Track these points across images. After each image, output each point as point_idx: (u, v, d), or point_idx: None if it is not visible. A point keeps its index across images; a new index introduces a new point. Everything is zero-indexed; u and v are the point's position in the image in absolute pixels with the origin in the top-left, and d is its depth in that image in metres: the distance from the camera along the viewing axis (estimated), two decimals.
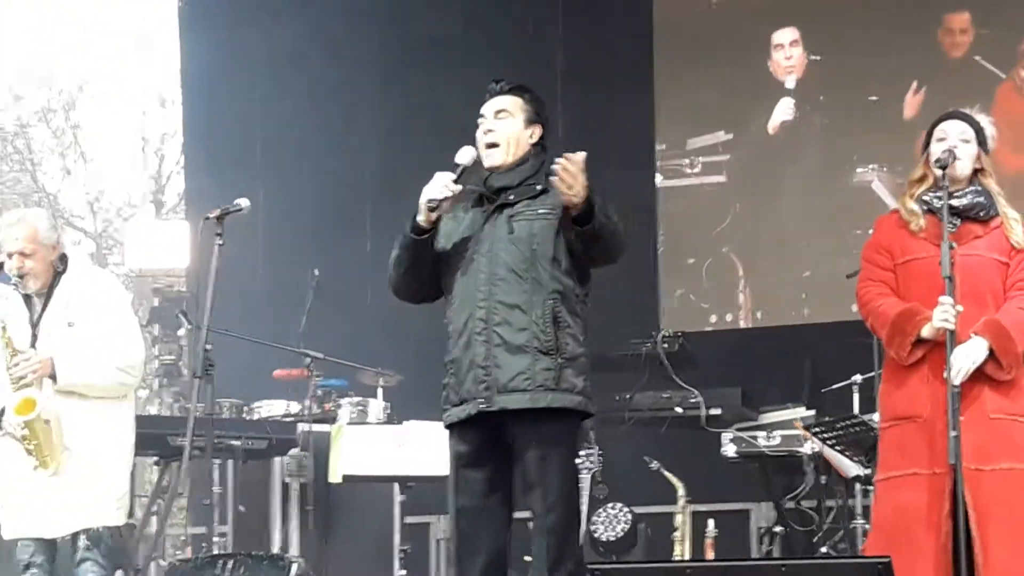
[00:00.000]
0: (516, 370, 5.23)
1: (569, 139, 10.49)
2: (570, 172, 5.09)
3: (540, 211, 5.34)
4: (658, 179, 10.74)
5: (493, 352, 5.25)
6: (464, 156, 5.39)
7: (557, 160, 5.12)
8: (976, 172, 5.63)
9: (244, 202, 6.45)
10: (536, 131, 5.48)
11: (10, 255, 6.49)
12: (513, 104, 5.46)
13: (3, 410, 6.44)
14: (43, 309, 6.55)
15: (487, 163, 5.42)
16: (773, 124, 10.55)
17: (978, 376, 5.43)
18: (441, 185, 5.29)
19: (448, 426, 5.42)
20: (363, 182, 10.96)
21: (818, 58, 10.52)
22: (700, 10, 10.88)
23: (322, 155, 10.89)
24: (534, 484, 5.26)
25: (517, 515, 5.46)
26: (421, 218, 5.32)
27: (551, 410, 5.24)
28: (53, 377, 6.40)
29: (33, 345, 6.47)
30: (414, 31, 10.90)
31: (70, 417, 6.43)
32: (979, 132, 5.66)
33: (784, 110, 10.55)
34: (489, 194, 5.42)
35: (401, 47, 10.87)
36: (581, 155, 5.12)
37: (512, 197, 5.38)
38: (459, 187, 5.32)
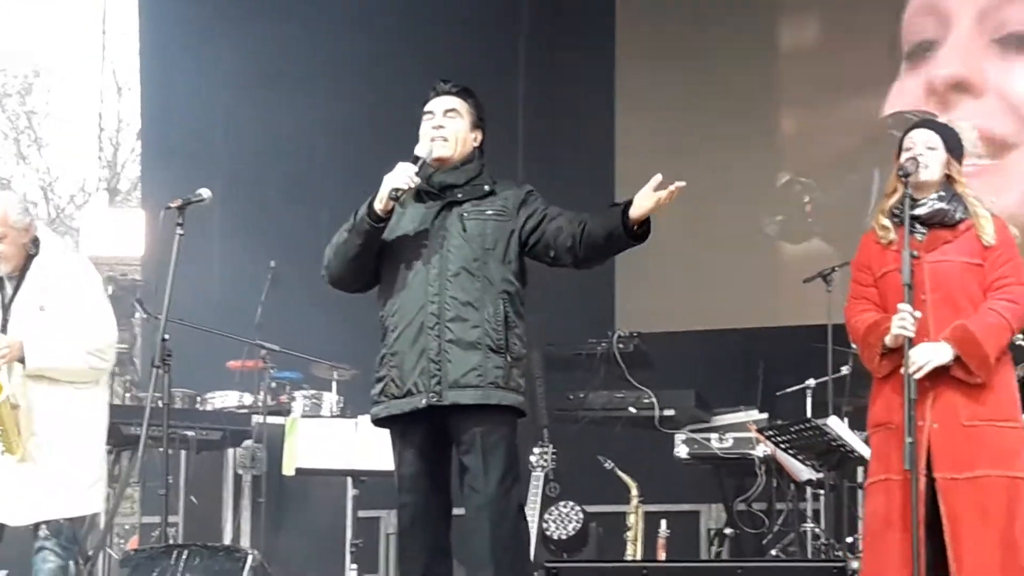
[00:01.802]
0: (469, 366, 5.25)
1: (533, 125, 10.72)
2: (674, 195, 5.14)
3: (489, 212, 5.40)
4: (617, 175, 10.75)
5: (445, 347, 5.26)
6: (422, 149, 5.44)
7: (678, 184, 5.13)
8: (948, 179, 5.66)
9: (206, 192, 6.43)
10: (479, 135, 5.57)
11: None
12: (461, 105, 5.54)
13: None
14: (14, 292, 6.48)
15: (435, 153, 5.44)
16: None
17: (951, 383, 5.45)
18: (405, 175, 5.31)
19: (381, 419, 5.40)
20: (322, 175, 10.94)
21: None
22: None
23: (281, 146, 10.87)
24: (476, 479, 5.26)
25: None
26: (380, 206, 5.32)
27: (495, 407, 5.27)
28: (22, 361, 6.34)
29: (3, 329, 6.41)
30: (375, 31, 10.88)
31: (39, 402, 6.37)
32: (948, 139, 5.69)
33: None
34: (434, 191, 5.43)
35: (364, 45, 10.84)
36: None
37: (460, 195, 5.42)
38: (419, 179, 5.34)
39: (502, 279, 5.34)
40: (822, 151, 10.54)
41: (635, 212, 5.17)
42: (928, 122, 5.87)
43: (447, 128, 5.47)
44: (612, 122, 10.91)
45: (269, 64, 10.83)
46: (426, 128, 5.50)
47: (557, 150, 10.63)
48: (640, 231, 5.22)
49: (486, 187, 5.44)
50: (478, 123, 5.56)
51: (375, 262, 5.44)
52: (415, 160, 5.37)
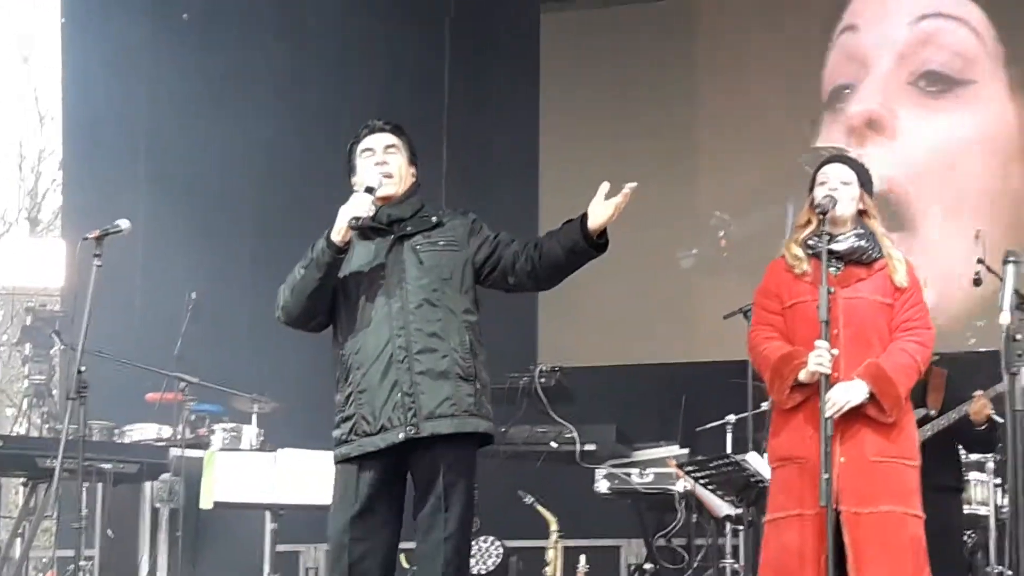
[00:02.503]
0: (442, 396, 5.24)
1: (457, 158, 10.73)
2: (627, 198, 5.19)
3: (441, 243, 5.40)
4: (541, 208, 10.78)
5: (416, 379, 5.24)
6: (374, 179, 5.41)
7: (630, 185, 5.17)
8: (861, 214, 5.71)
9: (124, 223, 6.38)
10: (415, 170, 5.57)
11: None
12: (398, 141, 5.54)
13: None
14: None
15: (380, 193, 5.41)
16: None
17: (860, 419, 5.49)
18: (363, 203, 5.30)
19: (354, 458, 5.33)
20: (243, 207, 10.90)
21: None
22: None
23: (203, 179, 10.81)
24: (437, 512, 5.24)
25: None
26: (339, 237, 5.29)
27: (463, 437, 5.27)
28: None
29: None
30: (299, 65, 10.87)
31: None
32: (861, 174, 5.75)
33: None
34: (382, 226, 5.42)
35: (287, 78, 10.83)
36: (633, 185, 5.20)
37: (409, 228, 5.42)
38: (374, 209, 5.33)
39: (463, 309, 5.35)
40: (737, 186, 10.62)
41: (594, 222, 5.21)
42: (842, 157, 5.93)
43: (391, 164, 5.47)
44: (536, 157, 10.94)
45: (192, 96, 10.79)
46: (369, 165, 5.47)
47: (481, 184, 10.65)
48: (601, 241, 5.25)
49: (433, 218, 5.45)
50: (413, 158, 5.57)
51: (330, 299, 5.41)
52: (368, 190, 5.36)
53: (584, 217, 5.24)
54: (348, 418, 5.32)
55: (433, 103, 10.99)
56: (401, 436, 5.22)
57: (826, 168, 5.75)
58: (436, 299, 5.31)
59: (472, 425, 5.27)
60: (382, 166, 5.45)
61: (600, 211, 5.21)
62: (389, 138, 5.51)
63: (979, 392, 7.65)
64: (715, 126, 10.77)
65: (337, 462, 5.37)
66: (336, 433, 5.37)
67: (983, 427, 7.68)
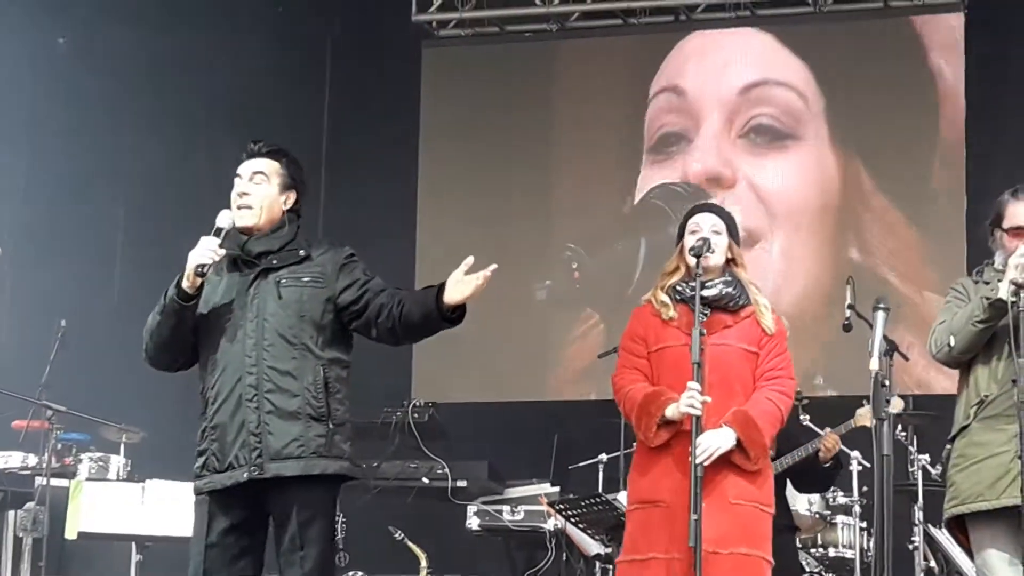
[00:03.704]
0: (290, 437, 5.15)
1: (332, 197, 10.71)
2: (487, 280, 5.12)
3: (305, 279, 5.29)
4: (418, 248, 10.79)
5: (265, 419, 5.16)
6: (224, 220, 5.30)
7: (492, 268, 5.12)
8: (728, 262, 5.77)
9: None
10: (291, 197, 5.40)
11: None
12: (270, 168, 5.38)
13: None
14: None
15: (239, 223, 5.32)
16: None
17: (723, 464, 5.54)
18: (208, 250, 5.20)
19: (205, 493, 5.28)
20: (113, 234, 10.77)
21: None
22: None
23: (73, 205, 10.65)
24: (293, 551, 5.17)
25: None
26: (187, 284, 5.21)
27: (318, 476, 5.19)
28: None
29: None
30: (177, 83, 10.77)
31: None
32: (729, 224, 5.82)
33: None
34: (248, 258, 5.34)
35: (166, 103, 10.73)
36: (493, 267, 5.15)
37: (275, 262, 5.32)
38: (223, 251, 5.25)
39: (320, 345, 5.24)
40: (590, 222, 10.78)
41: (449, 298, 5.13)
42: (710, 206, 6.01)
43: (252, 195, 5.32)
44: (415, 183, 10.98)
45: (66, 116, 10.64)
46: (233, 195, 5.37)
47: (359, 210, 10.64)
48: (455, 315, 5.19)
49: (301, 252, 5.33)
50: (290, 184, 5.40)
51: (192, 338, 5.33)
52: (217, 232, 5.26)
53: (442, 288, 5.17)
54: (202, 453, 5.27)
55: (312, 126, 10.96)
56: (245, 476, 5.16)
57: (696, 217, 5.81)
58: (292, 336, 5.21)
59: (321, 467, 5.17)
60: (243, 197, 5.34)
61: (460, 288, 5.13)
62: (259, 164, 5.37)
63: (828, 429, 7.77)
64: (569, 165, 10.96)
65: (195, 494, 5.32)
66: (195, 466, 5.31)
67: (828, 464, 7.80)
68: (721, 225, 5.77)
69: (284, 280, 5.28)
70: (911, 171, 10.35)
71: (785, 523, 7.57)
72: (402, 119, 11.11)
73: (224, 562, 5.22)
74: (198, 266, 5.18)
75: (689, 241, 5.73)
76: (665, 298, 5.74)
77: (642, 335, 5.76)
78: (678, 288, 5.73)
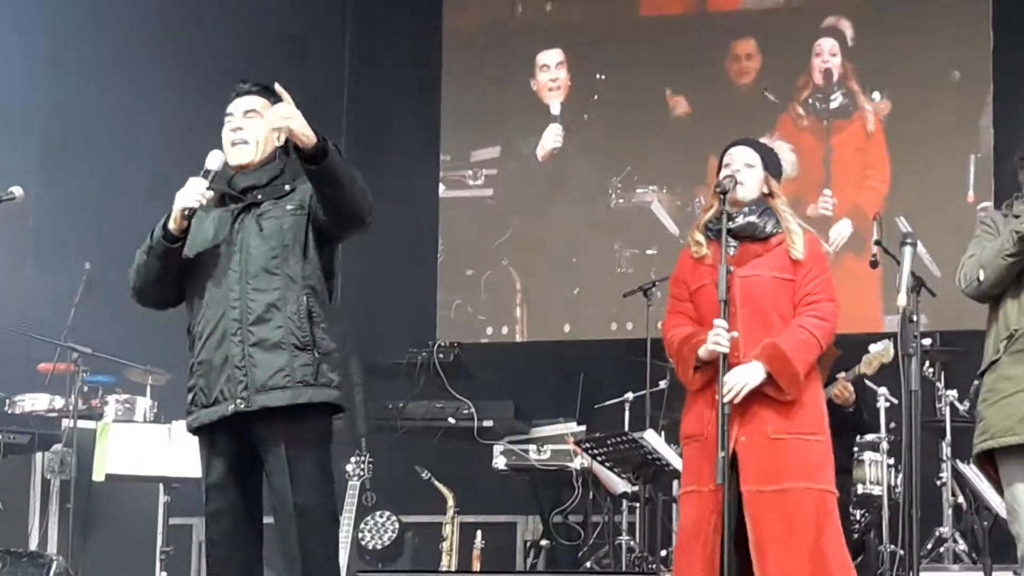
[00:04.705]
0: (275, 367, 5.13)
1: (355, 143, 10.65)
2: (285, 100, 5.01)
3: (288, 207, 5.27)
4: (441, 189, 10.75)
5: (249, 351, 5.14)
6: (214, 161, 5.29)
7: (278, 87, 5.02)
8: (766, 196, 5.70)
9: (17, 191, 6.26)
10: (281, 133, 5.32)
11: None
12: (262, 105, 5.35)
13: None
14: None
15: (234, 161, 5.31)
16: (543, 151, 10.66)
17: (759, 398, 5.48)
18: (195, 192, 5.20)
19: (196, 429, 5.29)
20: (138, 178, 10.75)
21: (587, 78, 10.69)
22: (489, 24, 10.97)
23: (99, 148, 10.66)
24: (286, 484, 5.13)
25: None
26: (173, 225, 5.21)
27: (306, 407, 5.16)
28: None
29: None
30: (196, 34, 10.74)
31: None
32: (766, 157, 5.74)
33: (552, 137, 10.68)
34: (235, 194, 5.33)
35: (186, 49, 10.69)
36: (277, 86, 5.05)
37: (260, 196, 5.31)
38: (211, 193, 5.25)
39: (303, 275, 5.21)
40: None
41: (291, 134, 5.01)
42: (746, 140, 5.91)
43: (246, 131, 5.32)
44: (438, 128, 10.89)
45: (89, 62, 10.63)
46: (226, 132, 5.37)
47: (382, 125, 10.57)
48: (310, 153, 5.01)
49: (287, 186, 5.31)
50: None
51: (178, 276, 5.33)
52: (205, 173, 5.25)
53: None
54: (190, 389, 5.28)
55: (334, 67, 10.90)
56: (231, 409, 5.14)
57: (731, 150, 5.74)
58: (275, 267, 5.19)
59: (307, 396, 5.13)
60: (237, 132, 5.33)
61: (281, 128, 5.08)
62: (251, 101, 5.36)
63: (841, 374, 7.73)
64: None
65: (188, 431, 5.34)
66: (186, 403, 5.33)
67: (850, 409, 7.76)
68: (755, 158, 5.69)
69: (266, 213, 5.26)
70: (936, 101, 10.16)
71: (839, 463, 7.53)
72: (425, 35, 10.96)
73: (226, 497, 5.22)
74: (185, 209, 5.18)
75: (721, 175, 5.67)
76: (699, 236, 5.69)
77: (683, 278, 5.71)
78: (709, 225, 5.67)
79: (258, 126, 5.33)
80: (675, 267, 5.81)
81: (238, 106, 5.38)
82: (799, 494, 5.45)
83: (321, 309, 5.23)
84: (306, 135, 5.01)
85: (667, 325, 5.74)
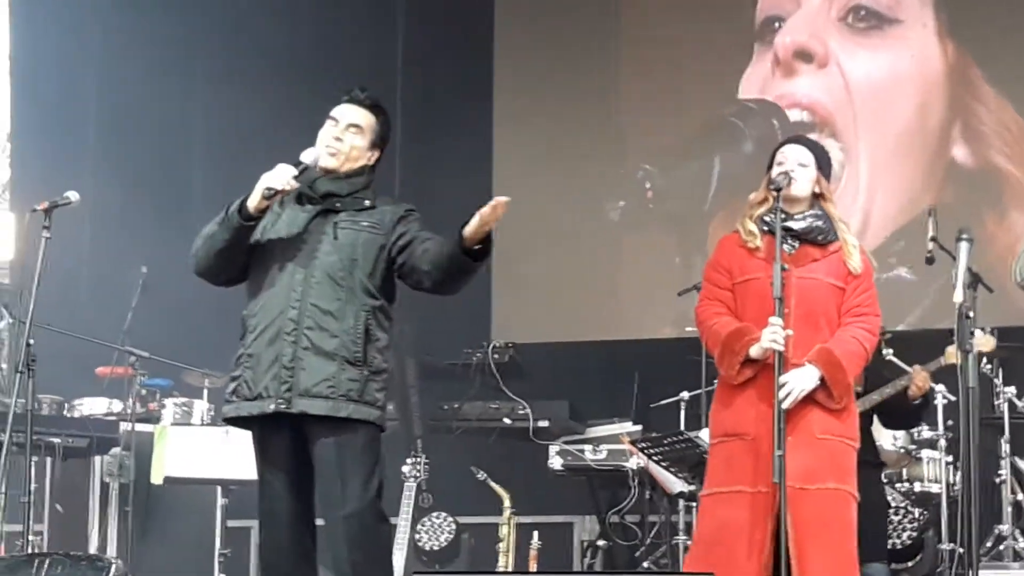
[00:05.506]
0: (321, 376, 5.15)
1: (408, 139, 10.67)
2: (498, 211, 5.03)
3: (365, 224, 5.30)
4: (494, 185, 10.74)
5: (300, 354, 5.17)
6: (308, 156, 5.33)
7: (499, 199, 5.01)
8: (817, 196, 5.70)
9: (73, 195, 6.32)
10: (375, 155, 5.44)
11: None
12: (367, 122, 5.41)
13: None
14: None
15: (323, 164, 5.34)
16: None
17: (808, 399, 5.50)
18: (283, 176, 5.22)
19: (232, 419, 5.31)
20: (193, 181, 10.81)
21: None
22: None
23: (154, 151, 10.72)
24: (331, 491, 5.17)
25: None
26: (252, 204, 5.23)
27: (350, 422, 5.17)
28: None
29: None
30: (251, 33, 10.77)
31: None
32: (819, 157, 5.73)
33: None
34: (315, 196, 5.35)
35: (239, 50, 10.73)
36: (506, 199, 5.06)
37: (339, 205, 5.34)
38: (297, 184, 5.26)
39: (366, 291, 5.25)
40: (664, 139, 10.58)
41: (466, 230, 5.06)
42: (800, 138, 5.91)
43: (344, 142, 5.35)
44: (490, 130, 10.87)
45: (144, 65, 10.68)
46: (325, 133, 5.40)
47: (434, 158, 10.58)
48: (478, 251, 5.10)
49: (367, 201, 5.35)
50: (379, 143, 5.44)
51: (245, 258, 5.34)
52: (297, 164, 5.29)
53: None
54: (235, 379, 5.30)
55: (386, 75, 10.91)
56: (272, 407, 5.17)
57: (784, 148, 5.74)
58: (340, 278, 5.22)
59: (347, 411, 5.16)
60: (336, 142, 5.37)
61: (472, 221, 5.07)
62: (358, 115, 5.40)
63: (917, 367, 7.68)
64: (643, 77, 10.64)
65: (224, 420, 5.38)
66: (226, 392, 5.36)
67: (917, 402, 7.72)
68: (809, 158, 5.70)
69: (343, 223, 5.29)
70: None
71: (870, 458, 7.49)
72: (476, 46, 10.97)
73: (279, 495, 5.25)
74: (267, 189, 5.20)
75: (774, 173, 5.66)
76: (753, 227, 5.68)
77: (726, 266, 5.71)
78: (766, 219, 5.66)
79: (355, 141, 5.38)
80: (715, 252, 5.81)
81: (344, 114, 5.41)
82: (837, 495, 5.51)
83: (379, 329, 5.26)
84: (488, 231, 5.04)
85: (704, 312, 5.73)
